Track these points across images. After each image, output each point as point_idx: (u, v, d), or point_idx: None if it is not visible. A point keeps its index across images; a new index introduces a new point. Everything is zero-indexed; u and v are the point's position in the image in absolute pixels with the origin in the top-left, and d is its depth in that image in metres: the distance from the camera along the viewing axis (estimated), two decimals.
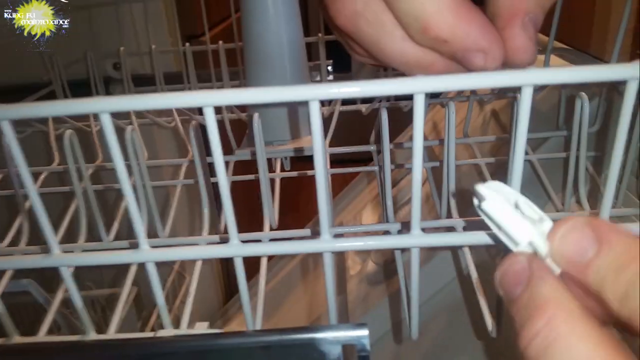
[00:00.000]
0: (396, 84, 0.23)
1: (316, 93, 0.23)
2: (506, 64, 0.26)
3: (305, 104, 0.24)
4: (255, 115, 0.41)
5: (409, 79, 0.23)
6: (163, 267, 1.15)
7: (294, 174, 0.52)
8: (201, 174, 0.41)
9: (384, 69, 0.67)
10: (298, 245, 0.28)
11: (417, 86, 0.23)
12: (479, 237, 0.27)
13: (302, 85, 0.23)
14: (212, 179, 0.47)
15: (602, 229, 0.20)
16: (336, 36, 0.30)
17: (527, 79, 0.24)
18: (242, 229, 0.44)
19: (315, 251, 0.28)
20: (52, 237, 0.28)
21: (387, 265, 0.67)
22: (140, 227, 0.27)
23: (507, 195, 0.22)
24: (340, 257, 0.83)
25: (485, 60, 0.25)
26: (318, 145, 0.25)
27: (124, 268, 0.42)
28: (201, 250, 0.28)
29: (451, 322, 0.56)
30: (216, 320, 1.04)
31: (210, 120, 0.24)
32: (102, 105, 0.24)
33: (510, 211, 0.21)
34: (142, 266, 0.30)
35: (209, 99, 0.23)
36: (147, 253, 0.27)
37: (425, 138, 0.60)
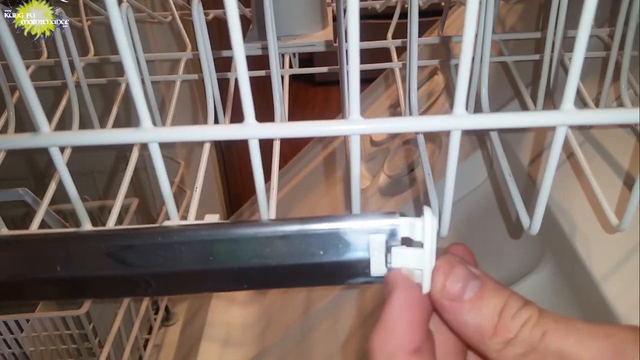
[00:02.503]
0: None
1: None
2: None
3: None
4: None
5: None
6: None
7: (304, 70, 0.48)
8: (205, 62, 0.36)
9: None
10: (322, 127, 0.24)
11: None
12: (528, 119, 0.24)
13: None
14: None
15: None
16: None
17: None
18: None
19: (342, 133, 0.24)
20: (41, 115, 0.25)
21: (401, 177, 0.64)
22: (141, 101, 0.23)
23: None
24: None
25: None
26: (354, 10, 0.21)
27: (121, 173, 0.39)
28: (211, 130, 0.24)
29: (481, 226, 0.53)
30: None
31: None
32: None
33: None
34: (142, 172, 0.27)
35: None
36: (151, 132, 0.24)
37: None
